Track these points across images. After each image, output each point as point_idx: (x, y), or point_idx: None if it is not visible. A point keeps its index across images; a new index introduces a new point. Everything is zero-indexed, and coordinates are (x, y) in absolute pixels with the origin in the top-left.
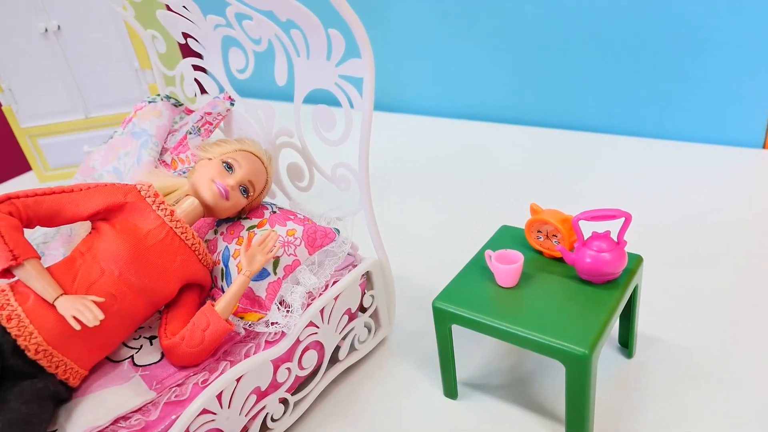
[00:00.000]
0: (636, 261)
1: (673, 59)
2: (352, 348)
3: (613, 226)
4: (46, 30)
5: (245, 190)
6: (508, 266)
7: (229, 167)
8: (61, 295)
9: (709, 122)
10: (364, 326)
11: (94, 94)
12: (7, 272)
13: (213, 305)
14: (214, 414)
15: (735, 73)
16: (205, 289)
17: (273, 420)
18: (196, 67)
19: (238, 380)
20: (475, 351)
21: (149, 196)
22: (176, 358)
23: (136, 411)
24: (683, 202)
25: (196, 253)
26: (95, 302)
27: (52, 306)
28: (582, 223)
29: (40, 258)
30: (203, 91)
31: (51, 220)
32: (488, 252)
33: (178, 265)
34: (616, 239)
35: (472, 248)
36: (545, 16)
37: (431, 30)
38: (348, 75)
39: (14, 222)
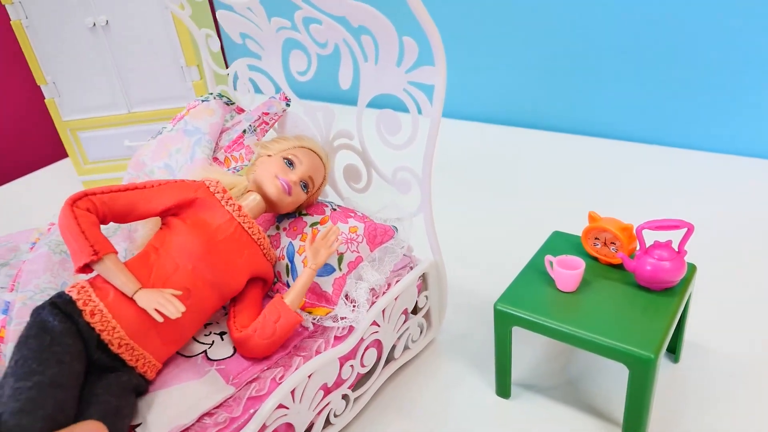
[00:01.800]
0: (691, 270)
1: (706, 72)
2: (406, 347)
3: (669, 235)
4: (94, 24)
5: (305, 186)
6: (571, 271)
7: (290, 163)
8: (140, 288)
9: (746, 134)
10: (417, 326)
11: (137, 90)
12: (86, 267)
13: (282, 298)
14: (287, 409)
15: (750, 85)
16: (267, 283)
17: (335, 416)
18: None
19: (309, 376)
20: (524, 352)
21: (218, 192)
22: (248, 350)
23: (218, 406)
24: (721, 211)
25: (261, 247)
26: (174, 295)
27: (132, 300)
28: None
29: (117, 253)
30: (258, 91)
31: (125, 216)
32: (549, 257)
33: (246, 259)
34: (676, 248)
35: (509, 251)
36: (580, 27)
37: (459, 35)
38: (417, 81)
39: (93, 218)
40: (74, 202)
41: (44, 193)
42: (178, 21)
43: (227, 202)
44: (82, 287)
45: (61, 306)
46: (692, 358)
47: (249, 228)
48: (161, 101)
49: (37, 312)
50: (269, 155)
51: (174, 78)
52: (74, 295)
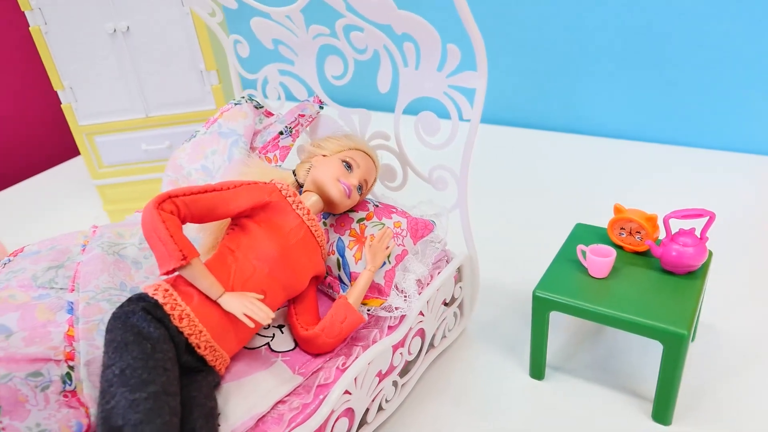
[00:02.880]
0: (709, 255)
1: (690, 72)
2: (443, 335)
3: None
4: (115, 30)
5: (359, 188)
6: (604, 258)
7: (349, 166)
8: (225, 292)
9: (725, 131)
10: (453, 315)
11: (156, 94)
12: (170, 270)
13: (346, 299)
14: (350, 394)
15: (746, 85)
16: (320, 278)
17: (386, 401)
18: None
19: (369, 364)
20: (553, 336)
21: (289, 196)
22: (315, 347)
23: (289, 394)
24: (717, 204)
25: (322, 248)
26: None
27: (214, 303)
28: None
29: (199, 255)
30: (289, 95)
31: (203, 217)
32: (581, 246)
33: (311, 260)
34: (699, 236)
35: (525, 245)
36: (574, 30)
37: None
38: (458, 85)
39: (177, 221)
40: (159, 204)
41: (56, 193)
42: (199, 26)
43: (297, 206)
44: (166, 290)
45: (152, 311)
46: (706, 337)
47: (315, 231)
48: (179, 105)
49: (125, 316)
50: (324, 155)
51: (193, 82)
52: (160, 299)
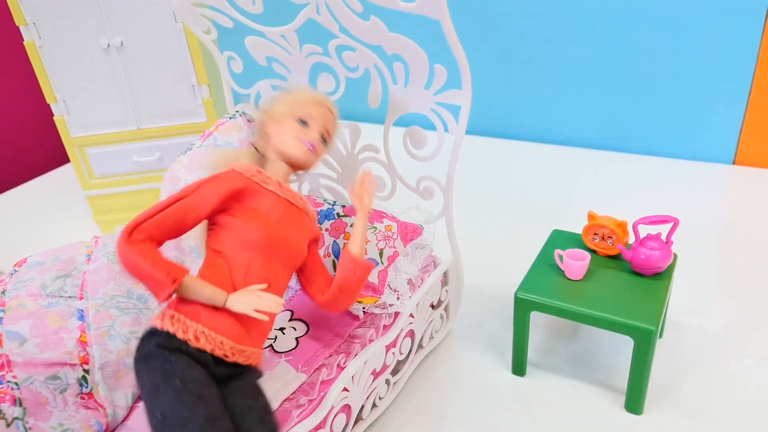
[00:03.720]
0: (674, 258)
1: (658, 85)
2: (430, 336)
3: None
4: (108, 45)
5: (323, 140)
6: (580, 262)
7: (304, 123)
8: (228, 295)
9: (690, 141)
10: (439, 317)
11: (147, 107)
12: (167, 296)
13: (349, 252)
14: (348, 392)
15: (711, 98)
16: (317, 240)
17: (380, 398)
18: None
19: (365, 363)
20: (534, 334)
21: (254, 176)
22: (337, 307)
23: (294, 392)
24: (682, 211)
25: (305, 212)
26: (261, 290)
27: (223, 310)
28: None
29: (189, 271)
30: None
31: (178, 230)
32: (558, 251)
33: (299, 229)
34: (664, 240)
35: (503, 251)
36: (548, 41)
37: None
38: (444, 102)
39: (152, 247)
40: (129, 237)
41: (45, 202)
42: (191, 41)
43: (266, 183)
44: (172, 317)
45: (168, 345)
46: (673, 334)
47: (293, 199)
48: (171, 117)
49: (145, 359)
50: (278, 123)
51: (185, 95)
52: (169, 328)
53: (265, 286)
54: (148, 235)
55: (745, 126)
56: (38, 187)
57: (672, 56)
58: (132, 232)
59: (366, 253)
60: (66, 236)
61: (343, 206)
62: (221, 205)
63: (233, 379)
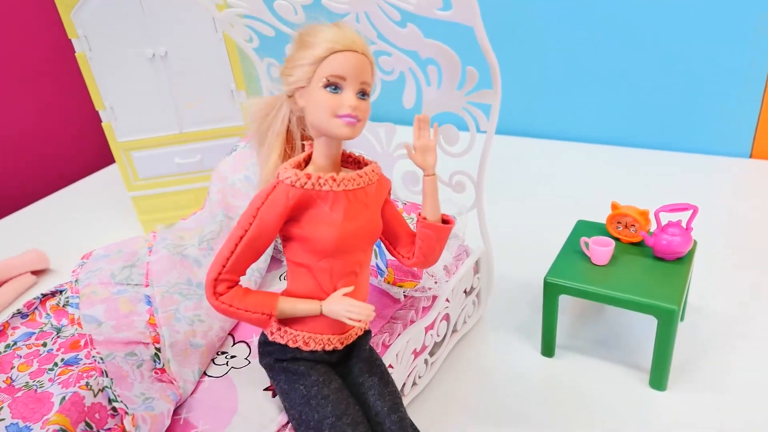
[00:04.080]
0: (694, 244)
1: (674, 83)
2: (464, 321)
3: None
4: (153, 55)
5: (363, 94)
6: (605, 248)
7: (335, 87)
8: (322, 306)
9: (707, 136)
10: (472, 303)
11: (189, 112)
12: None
13: (424, 220)
14: (392, 368)
15: (727, 94)
16: (388, 196)
17: (419, 377)
18: None
19: (407, 342)
20: (561, 318)
21: (305, 184)
22: (427, 266)
23: None
24: (700, 200)
25: (369, 182)
26: (348, 294)
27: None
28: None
29: (278, 296)
30: None
31: (253, 260)
32: (584, 239)
33: (368, 210)
34: (684, 227)
35: (535, 240)
36: (565, 43)
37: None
38: (475, 102)
39: (239, 291)
40: (214, 292)
41: (91, 203)
42: (231, 49)
43: (320, 185)
44: (279, 328)
45: (283, 357)
46: (694, 316)
47: (352, 184)
48: (211, 122)
49: (268, 368)
50: (301, 86)
51: (224, 101)
52: (280, 340)
53: (351, 289)
54: (229, 282)
55: (761, 120)
56: (85, 188)
57: (688, 53)
58: (215, 286)
59: (439, 213)
60: (113, 236)
61: None
62: (284, 224)
63: (352, 354)
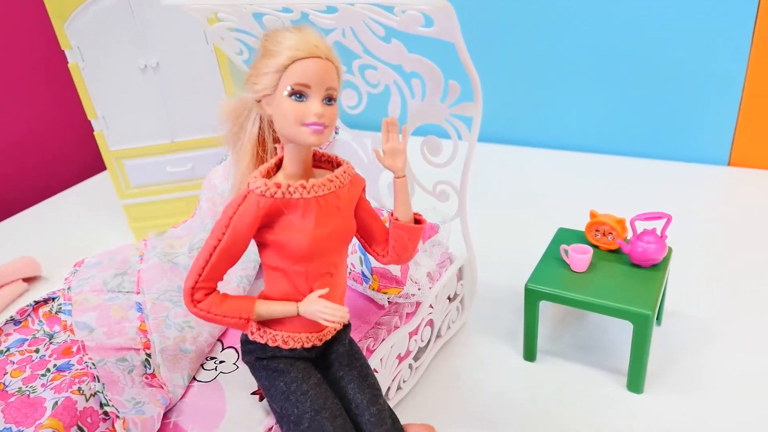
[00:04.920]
0: (669, 251)
1: (653, 91)
2: (448, 327)
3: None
4: (145, 66)
5: (330, 99)
6: (583, 255)
7: (299, 95)
8: (298, 307)
9: (686, 144)
10: (455, 309)
11: (180, 121)
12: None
13: (396, 220)
14: (377, 372)
15: (705, 102)
16: (363, 193)
17: (404, 381)
18: None
19: (391, 347)
20: (542, 323)
21: (274, 193)
22: (401, 262)
23: None
24: (675, 209)
25: (340, 185)
26: (323, 296)
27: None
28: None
29: (256, 299)
30: None
31: (228, 266)
32: (563, 246)
33: (340, 213)
34: (659, 234)
35: (516, 247)
36: (544, 51)
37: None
38: (458, 114)
39: (217, 297)
40: (192, 300)
41: (82, 210)
42: (221, 59)
43: (290, 193)
44: (258, 328)
45: (263, 355)
46: (670, 321)
47: (323, 189)
48: (202, 130)
49: (250, 367)
50: (267, 94)
51: (214, 111)
52: (260, 339)
53: (326, 291)
54: (207, 290)
55: (738, 128)
56: (77, 195)
57: (666, 62)
58: (193, 294)
59: (411, 213)
60: (104, 242)
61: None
62: (256, 231)
63: (332, 349)
